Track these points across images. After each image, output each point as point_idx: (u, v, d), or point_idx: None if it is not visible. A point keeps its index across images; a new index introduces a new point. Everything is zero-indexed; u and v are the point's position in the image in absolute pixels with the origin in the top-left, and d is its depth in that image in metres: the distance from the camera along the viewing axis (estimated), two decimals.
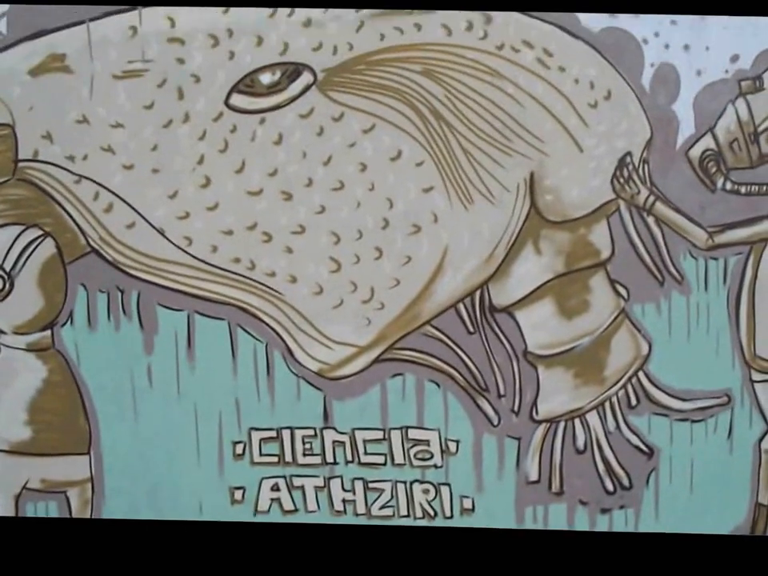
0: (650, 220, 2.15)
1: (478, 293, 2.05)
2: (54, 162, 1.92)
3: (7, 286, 1.88)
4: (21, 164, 1.95)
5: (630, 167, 2.13)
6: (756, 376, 2.27)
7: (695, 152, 2.19)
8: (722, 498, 2.22)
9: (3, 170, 1.92)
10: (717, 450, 2.21)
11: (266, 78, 1.93)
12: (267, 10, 1.94)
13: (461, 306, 2.04)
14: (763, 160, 2.26)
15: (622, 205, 2.13)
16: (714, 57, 2.17)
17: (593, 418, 2.12)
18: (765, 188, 2.27)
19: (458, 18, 2.01)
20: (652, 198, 2.14)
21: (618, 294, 2.14)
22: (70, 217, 1.95)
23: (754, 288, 2.24)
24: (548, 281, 2.09)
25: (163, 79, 1.91)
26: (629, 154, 2.13)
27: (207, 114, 1.93)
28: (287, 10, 1.96)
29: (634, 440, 2.16)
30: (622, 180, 2.12)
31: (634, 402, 2.16)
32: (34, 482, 1.99)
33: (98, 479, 1.99)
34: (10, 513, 1.99)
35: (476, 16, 2.02)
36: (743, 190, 2.24)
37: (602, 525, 2.15)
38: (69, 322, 1.97)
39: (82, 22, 1.89)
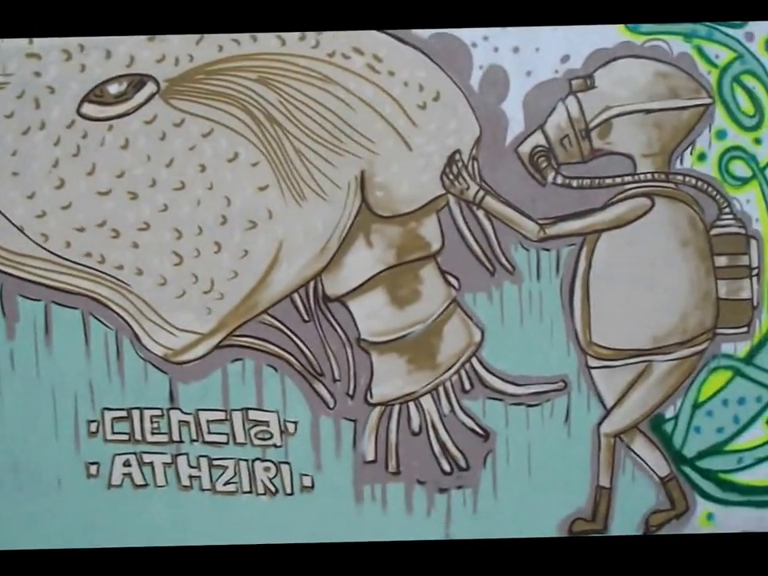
0: (480, 213, 2.48)
1: (312, 283, 2.40)
2: None
3: None
4: None
5: (460, 164, 2.46)
6: (592, 362, 2.59)
7: (525, 148, 2.52)
8: (563, 480, 2.55)
9: None
10: (555, 433, 2.54)
11: (113, 89, 2.35)
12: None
13: (296, 296, 2.38)
14: (594, 154, 2.56)
15: (451, 199, 2.48)
16: (543, 58, 2.49)
17: (427, 402, 2.47)
18: (597, 181, 2.58)
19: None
20: (481, 193, 2.47)
21: (448, 284, 2.47)
22: None
23: (588, 278, 2.54)
24: (380, 272, 2.43)
25: (22, 90, 2.34)
26: (458, 151, 2.47)
27: (61, 121, 2.34)
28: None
29: (469, 423, 2.50)
30: (451, 176, 2.46)
31: (468, 386, 2.50)
32: None
33: None
34: None
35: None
36: (575, 183, 2.55)
37: (441, 504, 2.45)
38: None
39: None
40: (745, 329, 2.71)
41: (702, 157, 2.64)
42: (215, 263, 2.48)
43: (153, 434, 2.50)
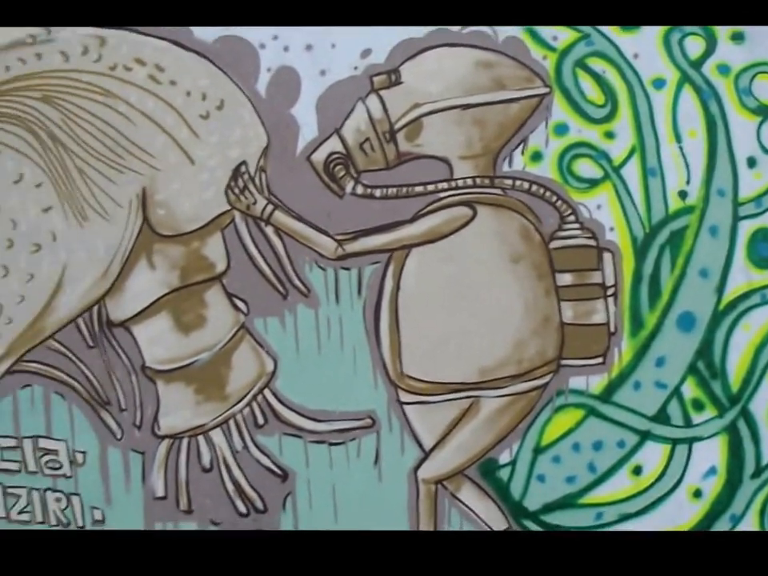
0: (270, 230, 2.59)
1: (96, 308, 2.63)
2: None
3: None
4: None
5: (246, 176, 2.60)
6: (405, 397, 2.63)
7: (319, 156, 2.63)
8: (373, 527, 2.57)
9: None
10: (364, 476, 2.63)
11: None
12: None
13: (80, 321, 2.62)
14: (401, 159, 2.59)
15: (237, 216, 2.62)
16: (340, 54, 2.57)
17: (218, 436, 2.63)
18: (405, 190, 2.62)
19: (74, 44, 2.62)
20: (270, 208, 2.60)
21: (236, 308, 2.61)
22: None
23: (396, 300, 2.58)
24: (163, 295, 2.62)
25: None
26: (244, 163, 2.60)
27: None
28: None
29: (264, 460, 2.63)
30: (236, 190, 2.60)
31: (261, 420, 2.62)
32: None
33: None
34: None
35: (91, 40, 2.60)
36: (378, 193, 2.61)
37: None
38: None
39: None
40: (599, 359, 2.59)
41: (536, 156, 2.57)
42: (4, 287, 2.78)
43: None
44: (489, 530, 2.64)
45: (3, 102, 2.89)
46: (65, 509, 2.86)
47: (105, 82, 2.79)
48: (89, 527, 2.82)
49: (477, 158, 2.61)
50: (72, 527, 2.83)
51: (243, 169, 2.69)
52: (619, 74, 2.60)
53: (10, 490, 2.90)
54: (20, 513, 2.90)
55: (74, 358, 2.83)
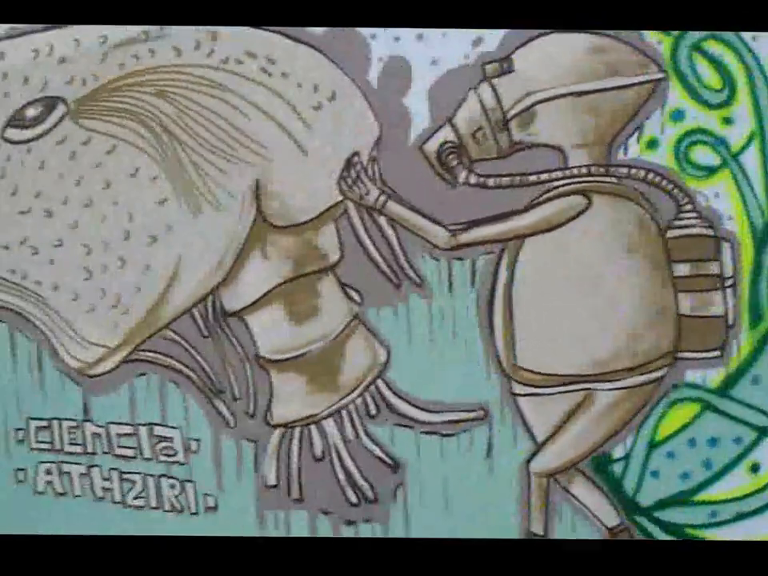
0: (383, 220, 2.64)
1: (210, 298, 2.71)
2: None
3: None
4: None
5: (358, 167, 2.65)
6: (518, 388, 2.66)
7: (431, 146, 2.68)
8: (486, 523, 2.64)
9: None
10: (475, 468, 2.65)
11: (30, 112, 2.87)
12: (32, 53, 2.79)
13: (195, 311, 2.71)
14: (514, 148, 2.62)
15: (350, 206, 2.66)
16: (451, 43, 2.61)
17: (330, 426, 2.68)
18: (518, 179, 2.64)
19: (187, 39, 2.70)
20: (383, 198, 2.65)
21: (349, 298, 2.66)
22: None
23: (510, 291, 2.62)
24: (276, 285, 2.69)
25: None
26: (356, 153, 2.65)
27: None
28: (47, 49, 2.80)
29: (376, 451, 2.67)
30: (349, 181, 2.66)
31: (373, 411, 2.67)
32: None
33: None
34: None
35: (203, 35, 2.70)
36: (491, 182, 2.65)
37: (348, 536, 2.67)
38: None
39: None
40: (716, 353, 2.57)
41: (652, 144, 2.57)
42: (120, 278, 2.89)
43: (70, 444, 2.96)
44: (600, 525, 2.66)
45: (118, 97, 3.00)
46: (178, 495, 2.97)
47: (216, 75, 2.87)
48: (202, 514, 2.92)
49: (591, 146, 2.62)
50: (185, 513, 2.94)
51: (356, 159, 2.74)
52: (737, 56, 2.58)
53: (125, 476, 3.02)
54: (135, 498, 3.01)
55: (188, 348, 2.93)
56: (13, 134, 3.12)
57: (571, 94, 2.63)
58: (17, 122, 3.10)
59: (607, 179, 2.63)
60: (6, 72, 3.10)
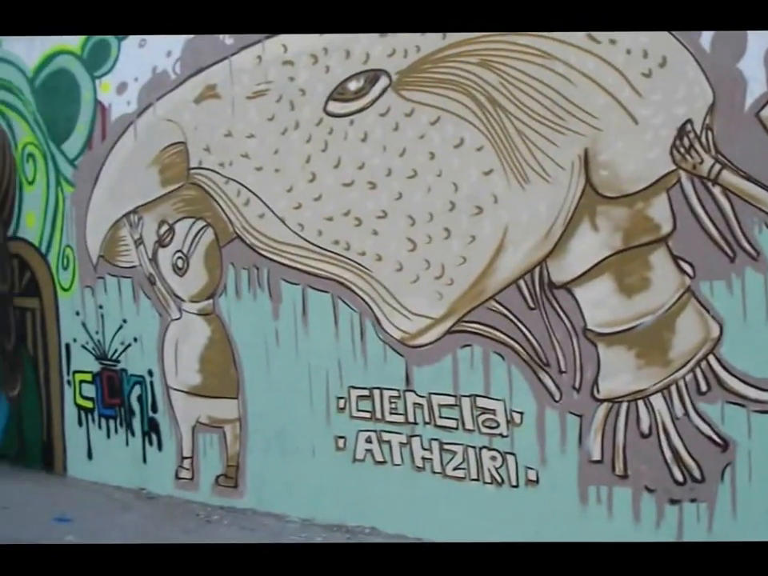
0: (717, 190, 2.69)
1: (537, 269, 2.86)
2: (212, 168, 3.27)
3: (185, 265, 3.28)
4: (191, 171, 3.33)
5: (691, 135, 2.74)
6: None
7: None
8: None
9: (180, 177, 3.39)
10: None
11: (352, 86, 3.09)
12: None
13: (521, 283, 2.86)
14: None
15: (683, 176, 2.73)
16: None
17: (658, 402, 2.79)
18: None
19: None
20: (717, 167, 2.71)
21: (682, 270, 2.72)
22: (222, 210, 3.29)
23: None
24: (606, 257, 2.79)
25: (280, 95, 3.18)
26: (689, 121, 2.76)
27: (311, 120, 3.14)
28: None
29: (705, 429, 2.76)
30: (682, 150, 2.74)
31: (704, 387, 2.72)
32: (204, 417, 3.39)
33: (243, 419, 3.28)
34: (188, 441, 3.42)
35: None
36: None
37: (671, 516, 2.73)
38: (223, 293, 3.30)
39: (225, 58, 3.19)
40: None
41: None
42: (445, 249, 3.05)
43: (391, 413, 3.14)
44: None
45: (441, 68, 3.14)
46: (499, 467, 3.09)
47: (542, 43, 2.96)
48: (522, 487, 3.03)
49: None
50: (505, 486, 3.06)
51: (689, 127, 2.76)
52: None
53: (446, 446, 3.18)
54: (455, 469, 3.17)
55: (514, 320, 3.05)
56: (335, 107, 3.33)
57: None
58: (339, 95, 3.31)
59: None
60: (326, 47, 3.31)
